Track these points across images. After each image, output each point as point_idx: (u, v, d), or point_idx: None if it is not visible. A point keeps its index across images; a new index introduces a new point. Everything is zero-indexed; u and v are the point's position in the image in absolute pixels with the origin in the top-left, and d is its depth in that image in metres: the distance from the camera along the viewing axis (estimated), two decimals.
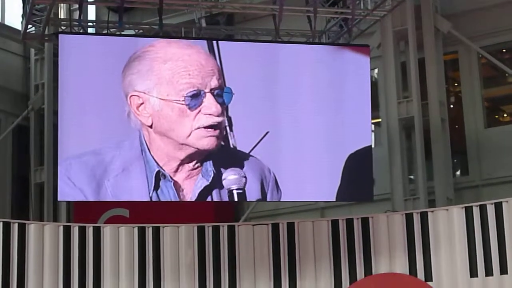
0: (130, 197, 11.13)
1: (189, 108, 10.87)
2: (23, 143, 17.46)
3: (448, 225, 11.99)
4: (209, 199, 11.15)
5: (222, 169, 11.11)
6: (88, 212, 15.89)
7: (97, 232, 12.11)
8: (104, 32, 13.40)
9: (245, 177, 11.17)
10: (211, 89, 10.94)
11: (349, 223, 12.31)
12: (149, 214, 14.58)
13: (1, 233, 11.70)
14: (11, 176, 17.39)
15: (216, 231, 12.32)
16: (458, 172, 15.79)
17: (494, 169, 14.93)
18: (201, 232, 12.29)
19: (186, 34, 13.62)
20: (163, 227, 12.28)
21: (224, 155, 11.12)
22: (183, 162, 10.97)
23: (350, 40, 13.37)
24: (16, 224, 11.86)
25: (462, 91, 15.73)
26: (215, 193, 11.13)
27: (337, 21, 13.74)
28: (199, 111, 10.90)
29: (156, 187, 10.98)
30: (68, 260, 11.92)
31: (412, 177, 15.31)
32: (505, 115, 16.19)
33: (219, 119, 10.97)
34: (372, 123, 13.65)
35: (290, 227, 12.36)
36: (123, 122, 10.93)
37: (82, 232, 12.07)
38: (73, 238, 12.01)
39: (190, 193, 11.08)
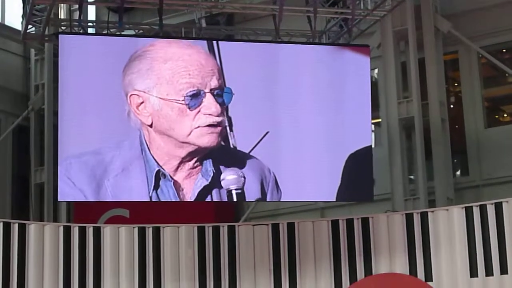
0: (130, 197, 11.13)
1: (189, 108, 10.87)
2: (23, 144, 17.47)
3: (448, 225, 11.99)
4: (208, 199, 11.14)
5: (221, 169, 11.10)
6: (88, 212, 15.89)
7: (97, 232, 12.12)
8: (104, 32, 13.40)
9: (244, 177, 11.17)
10: (211, 89, 10.94)
11: (349, 223, 12.31)
12: (149, 214, 14.59)
13: (1, 233, 11.69)
14: (11, 176, 17.40)
15: (216, 231, 12.32)
16: (458, 172, 15.79)
17: (494, 169, 14.93)
18: (201, 232, 12.29)
19: (186, 34, 13.62)
20: (163, 227, 12.28)
21: (224, 155, 11.12)
22: (183, 161, 10.97)
23: (350, 40, 13.37)
24: (16, 225, 11.86)
25: (462, 91, 15.73)
26: (214, 193, 11.13)
27: (337, 21, 13.74)
28: (199, 111, 10.89)
29: (156, 186, 10.98)
30: (68, 260, 11.92)
31: (412, 177, 15.31)
32: (505, 115, 16.19)
33: (219, 119, 10.97)
34: (372, 123, 13.65)
35: (290, 227, 12.36)
36: (123, 122, 10.94)
37: (82, 232, 12.07)
38: (73, 238, 12.01)
39: (190, 193, 11.07)
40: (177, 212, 14.15)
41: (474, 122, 15.39)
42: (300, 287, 12.16)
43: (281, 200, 11.72)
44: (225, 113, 11.07)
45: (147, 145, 10.94)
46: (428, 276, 11.97)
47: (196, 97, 10.88)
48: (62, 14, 16.70)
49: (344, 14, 13.20)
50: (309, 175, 11.69)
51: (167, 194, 11.01)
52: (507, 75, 15.56)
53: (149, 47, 11.07)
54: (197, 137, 10.91)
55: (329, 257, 12.21)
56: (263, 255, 12.24)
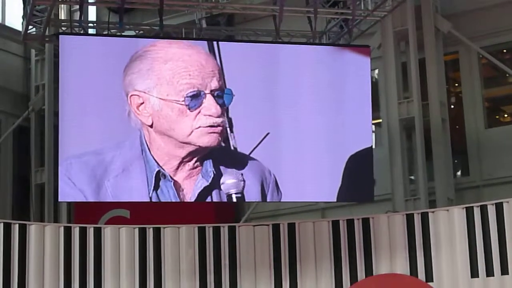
0: (130, 197, 11.12)
1: (189, 109, 10.86)
2: (23, 144, 17.47)
3: (449, 225, 11.98)
4: (208, 199, 11.14)
5: (222, 171, 11.10)
6: (89, 213, 15.90)
7: (97, 233, 12.11)
8: (104, 33, 13.40)
9: (244, 180, 11.16)
10: (211, 90, 10.92)
11: (350, 223, 12.31)
12: (149, 215, 14.59)
13: (2, 234, 11.69)
14: (11, 177, 17.40)
15: (216, 231, 12.32)
16: (458, 173, 15.79)
17: (494, 169, 14.94)
18: (201, 232, 12.29)
19: (187, 34, 13.63)
20: (164, 228, 12.28)
21: (225, 156, 11.12)
22: (183, 161, 10.96)
23: (351, 40, 13.37)
24: (17, 225, 11.86)
25: (462, 91, 15.73)
26: (214, 193, 11.12)
27: (338, 22, 13.74)
28: (199, 112, 10.88)
29: (156, 187, 10.97)
30: (68, 261, 11.92)
31: (412, 177, 15.31)
32: (505, 115, 16.19)
33: (219, 120, 10.96)
34: (373, 124, 13.65)
35: (291, 227, 12.36)
36: (123, 122, 10.93)
37: (83, 233, 12.07)
38: (74, 239, 12.01)
39: (190, 193, 11.07)
40: (178, 212, 14.16)
41: (475, 122, 15.39)
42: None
43: (282, 200, 11.71)
44: (225, 114, 11.06)
45: (147, 146, 10.94)
46: (429, 277, 11.96)
47: (196, 98, 10.87)
48: (62, 15, 16.71)
49: (345, 14, 13.21)
50: (310, 176, 11.69)
51: (167, 194, 11.01)
52: (507, 75, 15.56)
53: (150, 47, 11.07)
54: (197, 137, 10.90)
55: (330, 257, 12.21)
56: (263, 255, 12.24)
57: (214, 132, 10.93)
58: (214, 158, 11.05)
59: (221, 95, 11.00)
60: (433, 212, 12.26)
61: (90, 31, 14.20)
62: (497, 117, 16.16)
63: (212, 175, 11.05)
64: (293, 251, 12.25)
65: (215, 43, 11.37)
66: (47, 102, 17.28)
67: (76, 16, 14.91)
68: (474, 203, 12.11)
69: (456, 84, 16.09)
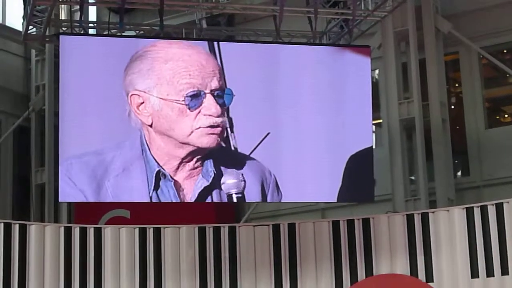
0: (130, 197, 11.12)
1: (189, 109, 10.86)
2: (24, 144, 17.47)
3: (449, 225, 11.98)
4: (209, 199, 11.14)
5: (222, 171, 11.10)
6: (89, 213, 15.89)
7: (98, 233, 12.11)
8: (105, 33, 13.40)
9: (244, 180, 11.16)
10: (211, 90, 10.92)
11: (350, 224, 12.31)
12: (150, 215, 14.58)
13: (2, 234, 11.69)
14: (12, 177, 17.40)
15: (217, 232, 12.32)
16: (459, 173, 15.79)
17: (495, 169, 14.93)
18: (202, 233, 12.29)
19: (187, 35, 13.63)
20: (164, 228, 12.28)
21: (225, 156, 11.12)
22: (183, 161, 10.96)
23: (351, 41, 13.37)
24: (17, 225, 11.86)
25: (463, 92, 15.73)
26: (215, 193, 11.12)
27: (338, 22, 13.73)
28: (199, 111, 10.88)
29: (156, 187, 10.97)
30: (69, 261, 11.91)
31: (413, 177, 15.31)
32: (506, 115, 16.19)
33: (220, 120, 10.96)
34: (373, 124, 13.66)
35: (291, 228, 12.36)
36: (124, 122, 10.93)
37: (83, 233, 12.07)
38: (74, 239, 12.01)
39: (190, 193, 11.07)
40: (178, 213, 14.15)
41: (475, 122, 15.39)
42: None
43: (282, 201, 11.71)
44: (225, 114, 11.06)
45: (147, 145, 10.94)
46: (429, 277, 11.96)
47: (196, 97, 10.87)
48: (62, 15, 16.71)
49: (345, 14, 13.21)
50: (310, 176, 11.69)
51: (167, 194, 11.01)
52: (507, 75, 15.56)
53: (151, 47, 11.07)
54: (197, 138, 10.90)
55: (330, 257, 12.21)
56: (264, 255, 12.24)
57: (213, 133, 10.93)
58: (215, 158, 11.05)
59: (221, 95, 11.01)
60: (433, 212, 12.25)
61: (91, 31, 14.20)
62: (497, 117, 16.16)
63: (213, 175, 11.05)
64: (293, 251, 12.25)
65: (215, 43, 11.37)
66: (48, 102, 17.28)
67: (77, 16, 14.91)
68: (475, 204, 12.10)
69: (457, 85, 16.08)
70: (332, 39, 13.83)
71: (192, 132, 10.87)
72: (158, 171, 10.94)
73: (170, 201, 11.07)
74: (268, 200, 11.56)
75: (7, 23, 17.61)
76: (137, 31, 13.96)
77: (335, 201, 12.18)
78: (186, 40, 12.51)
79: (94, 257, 12.01)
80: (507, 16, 15.07)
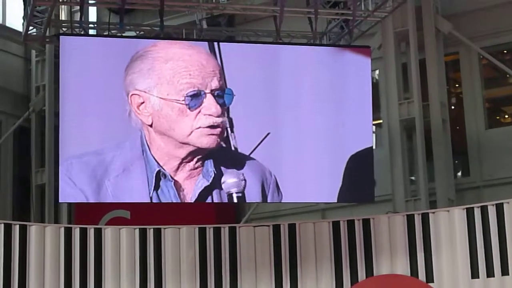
0: (131, 197, 11.12)
1: (189, 108, 10.87)
2: (24, 145, 17.47)
3: (449, 226, 11.98)
4: (209, 199, 11.14)
5: (222, 171, 11.10)
6: (89, 213, 15.90)
7: (98, 234, 12.11)
8: (105, 33, 13.40)
9: (245, 180, 11.16)
10: (211, 90, 10.93)
11: (350, 224, 12.31)
12: (150, 216, 14.58)
13: (2, 234, 11.69)
14: (12, 177, 17.39)
15: (217, 232, 12.32)
16: (459, 173, 15.79)
17: (495, 170, 14.93)
18: (202, 233, 12.29)
19: (187, 35, 13.63)
20: (164, 228, 12.28)
21: (225, 156, 11.12)
22: (183, 161, 10.97)
23: (351, 41, 13.37)
24: (17, 226, 11.85)
25: (463, 92, 15.73)
26: (215, 193, 11.12)
27: (338, 22, 13.73)
28: (199, 111, 10.89)
29: (156, 187, 10.97)
30: (69, 262, 11.92)
31: (413, 178, 15.30)
32: (506, 116, 16.19)
33: (220, 120, 10.96)
34: (373, 124, 13.65)
35: (291, 228, 12.35)
36: (124, 122, 10.94)
37: (83, 233, 12.07)
38: (74, 239, 12.01)
39: (191, 193, 11.07)
40: (178, 213, 14.16)
41: (475, 123, 15.39)
42: None
43: (282, 201, 11.72)
44: (225, 114, 11.07)
45: (147, 145, 10.94)
46: (429, 277, 11.95)
47: (196, 97, 10.88)
48: (63, 16, 16.71)
49: (345, 15, 13.20)
50: (310, 176, 11.69)
51: (167, 194, 11.01)
52: (508, 76, 15.56)
53: (151, 47, 11.08)
54: (197, 138, 10.90)
55: (330, 258, 12.21)
56: (264, 256, 12.24)
57: (213, 134, 10.93)
58: (215, 158, 11.06)
59: (222, 94, 11.01)
60: (433, 212, 12.25)
61: (91, 31, 14.21)
62: (497, 117, 16.15)
63: (213, 175, 11.05)
64: (294, 252, 12.25)
65: (215, 43, 11.37)
66: (48, 102, 17.28)
67: (77, 16, 14.93)
68: (475, 204, 12.10)
69: (457, 85, 16.08)
70: (332, 40, 13.83)
71: (192, 132, 10.87)
72: (158, 171, 10.94)
73: (170, 201, 11.08)
74: (269, 201, 11.56)
75: (7, 24, 17.61)
76: (137, 32, 13.97)
77: (335, 201, 12.18)
78: (186, 40, 12.50)
79: (95, 257, 12.01)
80: (507, 16, 15.07)
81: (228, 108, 11.11)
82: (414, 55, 15.17)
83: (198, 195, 11.07)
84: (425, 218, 12.14)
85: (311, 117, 11.69)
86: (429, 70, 15.19)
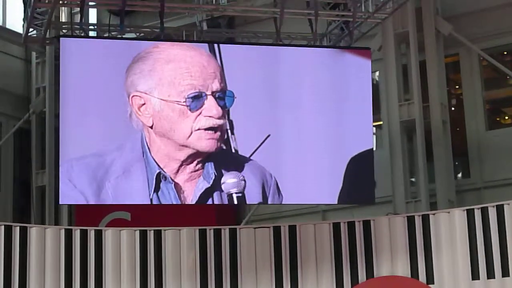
0: (131, 199, 11.12)
1: (190, 110, 10.87)
2: (24, 147, 17.47)
3: (450, 227, 11.98)
4: (209, 201, 11.13)
5: (223, 172, 11.10)
6: (90, 215, 15.89)
7: (98, 236, 12.11)
8: (105, 35, 13.39)
9: (244, 180, 11.16)
10: (212, 92, 10.93)
11: (351, 225, 12.31)
12: (150, 217, 14.57)
13: (2, 236, 11.69)
14: (12, 179, 17.40)
15: (217, 234, 12.32)
16: (459, 175, 15.79)
17: (495, 171, 14.94)
18: (202, 235, 12.29)
19: (187, 37, 13.62)
20: (165, 230, 12.28)
21: (225, 159, 11.12)
22: (183, 163, 10.97)
23: (351, 42, 13.36)
24: (18, 228, 11.86)
25: (463, 93, 15.73)
26: (216, 195, 11.12)
27: (338, 24, 13.71)
28: (200, 113, 10.89)
29: (157, 188, 10.97)
30: (69, 263, 11.92)
31: (413, 179, 15.31)
32: (506, 117, 16.19)
33: (220, 121, 10.96)
34: (374, 126, 13.64)
35: (292, 230, 12.35)
36: (124, 124, 10.94)
37: (84, 235, 12.07)
38: (75, 241, 12.01)
39: (191, 195, 11.07)
40: (179, 215, 14.15)
41: (475, 124, 15.40)
42: None
43: (283, 203, 11.71)
44: (226, 116, 11.07)
45: (148, 147, 10.94)
46: (430, 279, 11.96)
47: (197, 99, 10.88)
48: (63, 17, 16.71)
49: (345, 16, 13.19)
50: (311, 178, 11.69)
51: (167, 196, 11.01)
52: (508, 77, 15.56)
53: (153, 49, 11.09)
54: (196, 140, 10.89)
55: (331, 259, 12.21)
56: (264, 258, 12.24)
57: (212, 138, 10.93)
58: (215, 160, 11.05)
59: (223, 96, 11.01)
60: (434, 214, 12.25)
61: (91, 33, 14.19)
62: (497, 119, 16.16)
63: (214, 177, 11.05)
64: (294, 254, 12.25)
65: (215, 45, 11.37)
66: (48, 104, 17.29)
67: (77, 18, 14.91)
68: (475, 205, 12.10)
69: (457, 86, 16.09)
70: (333, 41, 13.82)
71: (191, 133, 10.87)
72: (159, 173, 10.94)
73: (170, 203, 11.08)
74: (269, 202, 11.55)
75: (8, 25, 17.62)
76: (138, 33, 13.95)
77: (336, 203, 12.16)
78: (187, 42, 12.50)
79: (95, 259, 12.01)
80: (507, 17, 15.08)
81: (229, 110, 11.10)
82: (414, 56, 15.18)
83: (199, 197, 11.06)
84: (425, 220, 12.14)
85: (311, 118, 11.69)
86: (429, 71, 15.19)
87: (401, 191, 14.90)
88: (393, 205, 14.90)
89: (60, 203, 11.27)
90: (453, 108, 15.90)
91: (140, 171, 10.94)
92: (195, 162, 10.99)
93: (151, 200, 10.99)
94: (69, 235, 12.02)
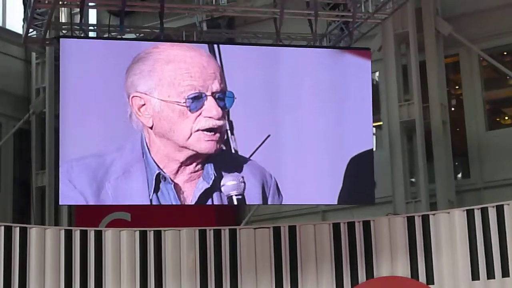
0: (131, 199, 11.12)
1: (190, 110, 10.87)
2: (24, 147, 17.48)
3: (450, 228, 11.98)
4: (209, 202, 11.13)
5: (222, 173, 11.10)
6: (90, 215, 15.89)
7: (98, 236, 12.11)
8: (105, 36, 13.40)
9: (244, 182, 11.16)
10: (212, 93, 10.93)
11: (351, 226, 12.31)
12: (150, 218, 14.57)
13: (2, 237, 11.69)
14: (12, 180, 17.41)
15: (217, 234, 12.32)
16: (459, 175, 15.79)
17: (495, 171, 14.94)
18: (202, 235, 12.29)
19: (187, 37, 13.62)
20: (165, 230, 12.28)
21: (225, 159, 11.12)
22: (183, 164, 10.97)
23: (351, 43, 13.35)
24: (18, 228, 11.86)
25: (463, 94, 15.74)
26: (215, 196, 11.12)
27: (338, 24, 13.71)
28: (200, 113, 10.89)
29: (156, 189, 10.97)
30: (69, 264, 11.92)
31: (413, 180, 15.31)
32: (506, 117, 16.20)
33: (220, 122, 10.96)
34: (374, 126, 13.66)
35: (292, 230, 12.35)
36: (124, 125, 10.94)
37: (84, 236, 12.07)
38: (75, 242, 12.01)
39: (191, 196, 11.07)
40: (178, 215, 14.14)
41: (475, 124, 15.40)
42: None
43: (283, 203, 11.71)
44: (226, 117, 11.07)
45: (147, 148, 10.94)
46: (430, 279, 11.95)
47: (197, 99, 10.88)
48: (63, 18, 16.70)
49: (345, 17, 13.19)
50: (311, 178, 11.68)
51: (167, 196, 11.01)
52: (508, 77, 15.56)
53: (153, 49, 11.09)
54: (196, 142, 10.89)
55: (331, 260, 12.21)
56: (264, 258, 12.23)
57: (212, 140, 10.93)
58: (215, 161, 11.05)
59: (223, 97, 11.01)
60: (434, 214, 12.25)
61: (91, 34, 14.19)
62: (497, 119, 16.16)
63: (213, 177, 11.05)
64: (294, 254, 12.25)
65: (215, 45, 11.37)
66: (48, 104, 17.29)
67: (77, 19, 14.87)
68: (475, 206, 12.10)
69: (457, 87, 16.09)
70: (333, 42, 13.82)
71: (191, 134, 10.87)
72: (158, 174, 10.94)
73: (170, 203, 11.08)
74: (269, 203, 11.55)
75: (8, 26, 17.63)
76: (137, 34, 13.95)
77: (336, 203, 12.16)
78: (186, 43, 12.50)
79: (95, 260, 12.01)
80: (507, 18, 15.08)
81: (229, 111, 11.10)
82: (414, 56, 15.18)
83: (199, 197, 11.06)
84: (425, 220, 12.14)
85: (311, 119, 11.68)
86: (429, 71, 15.20)
87: (401, 191, 14.90)
88: (393, 205, 14.90)
89: (60, 203, 11.27)
90: (453, 109, 15.90)
91: (140, 172, 10.94)
92: (195, 163, 10.99)
93: (150, 200, 10.99)
94: (69, 235, 12.02)
